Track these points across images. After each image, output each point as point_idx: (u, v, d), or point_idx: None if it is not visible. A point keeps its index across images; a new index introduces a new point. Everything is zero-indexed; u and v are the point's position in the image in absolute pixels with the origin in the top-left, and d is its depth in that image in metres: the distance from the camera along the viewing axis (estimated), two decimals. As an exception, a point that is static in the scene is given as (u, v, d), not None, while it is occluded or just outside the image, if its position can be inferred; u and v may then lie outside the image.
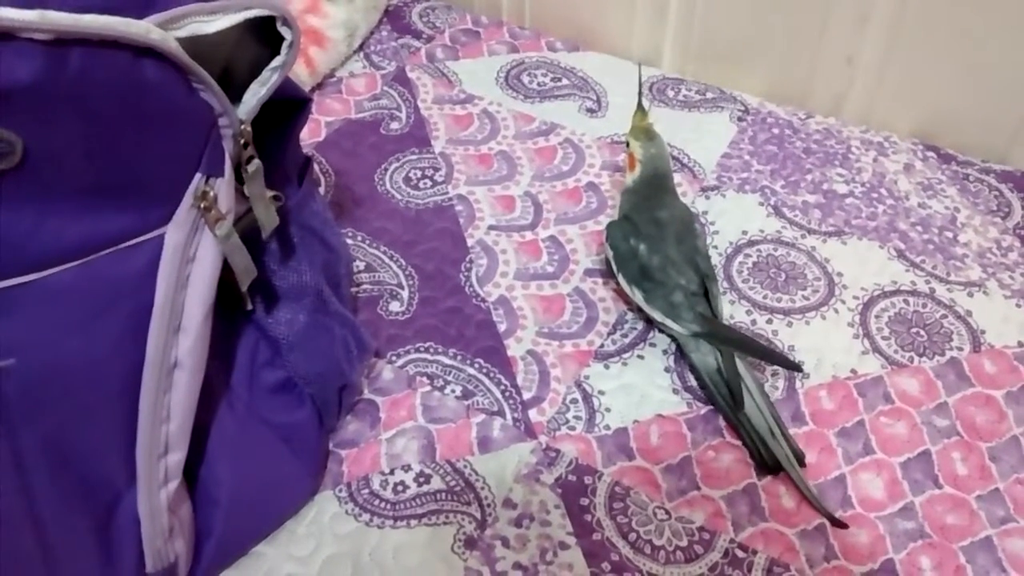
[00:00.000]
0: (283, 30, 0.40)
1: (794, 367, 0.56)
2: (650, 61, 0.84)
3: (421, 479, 0.52)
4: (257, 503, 0.48)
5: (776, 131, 0.76)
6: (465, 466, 0.53)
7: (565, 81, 0.82)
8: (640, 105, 0.63)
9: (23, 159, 0.33)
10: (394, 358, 0.59)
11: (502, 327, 0.61)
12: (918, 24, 0.72)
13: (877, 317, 0.61)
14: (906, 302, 0.62)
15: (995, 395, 0.57)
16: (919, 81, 0.74)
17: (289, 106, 0.47)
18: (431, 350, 0.59)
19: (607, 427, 0.55)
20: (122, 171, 0.36)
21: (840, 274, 0.64)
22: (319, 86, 0.80)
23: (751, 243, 0.66)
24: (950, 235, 0.67)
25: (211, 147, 0.39)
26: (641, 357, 0.59)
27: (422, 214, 0.69)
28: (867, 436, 0.54)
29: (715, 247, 0.66)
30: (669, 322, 0.57)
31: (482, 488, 0.52)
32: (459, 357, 0.59)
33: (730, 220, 0.68)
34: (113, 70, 0.33)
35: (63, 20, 0.31)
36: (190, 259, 0.40)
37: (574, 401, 0.56)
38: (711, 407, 0.56)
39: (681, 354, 0.58)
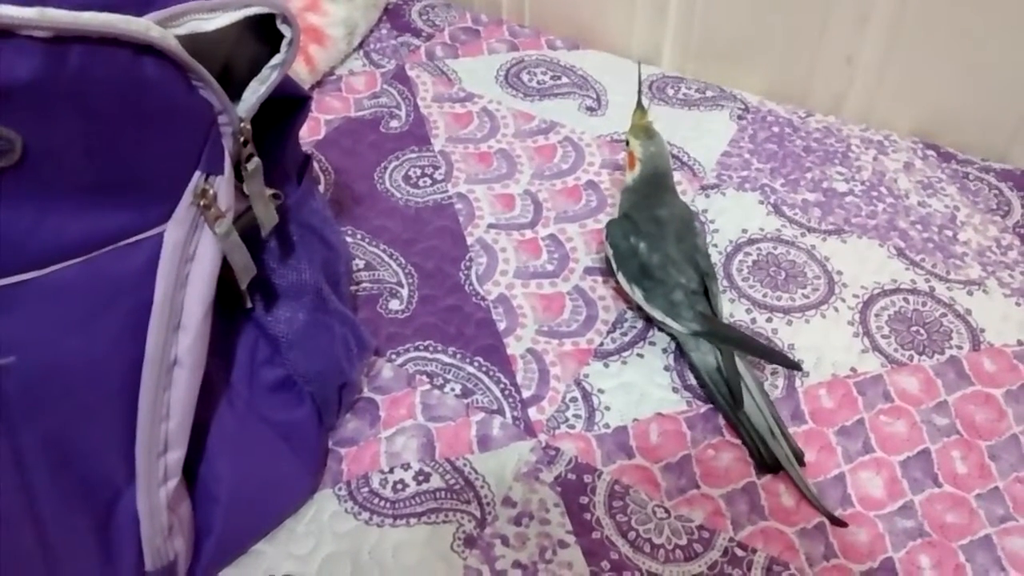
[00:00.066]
0: (283, 28, 0.40)
1: (794, 366, 0.56)
2: (650, 59, 0.84)
3: (420, 477, 0.52)
4: (256, 501, 0.48)
5: (776, 129, 0.76)
6: (465, 464, 0.53)
7: (565, 79, 0.81)
8: (640, 103, 0.63)
9: (23, 157, 0.33)
10: (394, 356, 0.59)
11: (502, 325, 0.61)
12: (918, 23, 0.72)
13: (877, 315, 0.61)
14: (906, 300, 0.62)
15: (995, 393, 0.57)
16: (919, 80, 0.74)
17: (289, 104, 0.47)
18: (431, 348, 0.59)
19: (606, 426, 0.55)
20: (122, 169, 0.36)
21: (840, 272, 0.64)
22: (319, 84, 0.80)
23: (751, 241, 0.66)
24: (950, 233, 0.67)
25: (211, 145, 0.39)
26: (641, 356, 0.59)
27: (422, 212, 0.69)
28: (867, 435, 0.54)
29: (715, 245, 0.66)
30: (669, 321, 0.56)
31: (481, 487, 0.52)
32: (459, 355, 0.59)
33: (730, 218, 0.68)
34: (113, 68, 0.33)
35: (63, 17, 0.31)
36: (190, 257, 0.40)
37: (574, 400, 0.56)
38: (711, 406, 0.56)
39: (681, 353, 0.58)
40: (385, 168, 0.72)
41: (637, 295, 0.58)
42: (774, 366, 0.57)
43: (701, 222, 0.67)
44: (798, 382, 0.57)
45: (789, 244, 0.66)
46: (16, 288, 0.35)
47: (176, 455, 0.42)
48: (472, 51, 0.85)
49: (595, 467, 0.53)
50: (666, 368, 0.58)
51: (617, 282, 0.60)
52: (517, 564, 0.48)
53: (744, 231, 0.67)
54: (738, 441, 0.54)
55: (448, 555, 0.49)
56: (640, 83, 0.66)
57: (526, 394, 0.56)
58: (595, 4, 0.85)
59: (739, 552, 0.49)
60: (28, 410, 0.36)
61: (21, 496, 0.38)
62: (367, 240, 0.66)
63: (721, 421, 0.55)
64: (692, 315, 0.56)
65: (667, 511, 0.51)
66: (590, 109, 0.78)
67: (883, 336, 0.60)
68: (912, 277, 0.64)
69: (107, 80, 0.33)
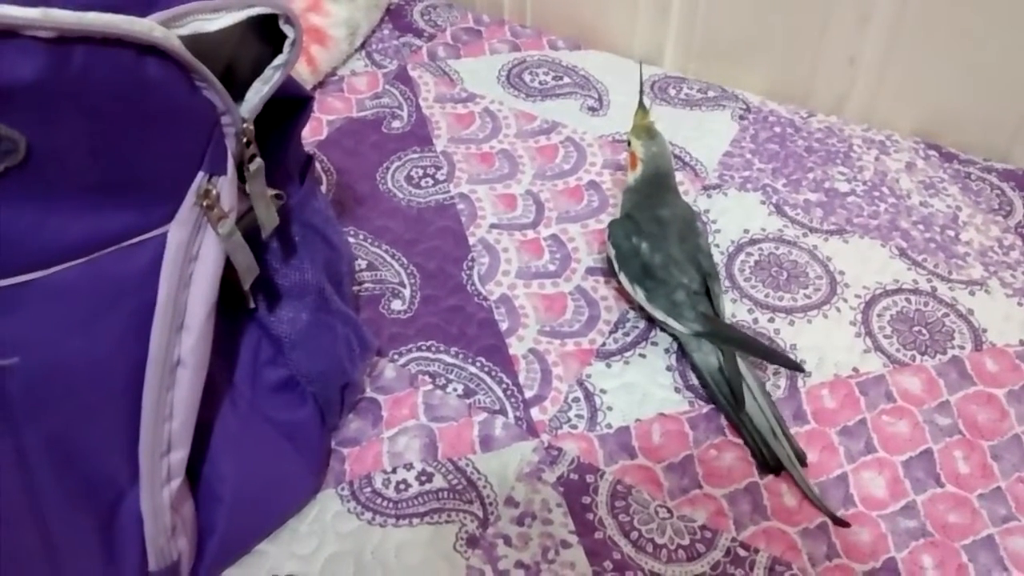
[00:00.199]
0: (285, 28, 0.40)
1: (796, 367, 0.56)
2: (652, 60, 0.84)
3: (423, 477, 0.52)
4: (259, 501, 0.48)
5: (778, 130, 0.76)
6: (467, 464, 0.53)
7: (567, 80, 0.82)
8: (642, 104, 0.63)
9: (27, 157, 0.33)
10: (396, 357, 0.59)
11: (504, 326, 0.61)
12: (919, 23, 0.72)
13: (879, 316, 0.61)
14: (908, 300, 0.62)
15: (997, 393, 0.57)
16: (920, 80, 0.74)
17: (291, 104, 0.47)
18: (433, 349, 0.59)
19: (609, 426, 0.55)
20: (125, 169, 0.36)
21: (842, 272, 0.64)
22: (321, 84, 0.80)
23: (753, 242, 0.66)
24: (952, 234, 0.67)
25: (213, 145, 0.39)
26: (643, 356, 0.59)
27: (424, 213, 0.69)
28: (869, 435, 0.54)
29: (717, 246, 0.66)
30: (671, 321, 0.56)
31: (484, 487, 0.52)
32: (461, 356, 0.59)
33: (732, 218, 0.68)
34: (116, 68, 0.33)
35: (66, 18, 0.31)
36: (193, 257, 0.40)
37: (576, 400, 0.56)
38: (713, 406, 0.56)
39: (683, 353, 0.58)
40: (387, 168, 0.72)
41: (639, 295, 0.58)
42: (776, 366, 0.57)
43: (703, 222, 0.67)
44: (800, 382, 0.57)
45: (791, 244, 0.66)
46: (19, 288, 0.35)
47: (179, 455, 0.42)
48: (474, 51, 0.85)
49: (597, 467, 0.53)
50: (668, 368, 0.58)
51: (619, 282, 0.60)
52: (520, 564, 0.48)
53: (746, 231, 0.67)
54: (740, 441, 0.54)
55: (451, 555, 0.49)
56: (642, 83, 0.66)
57: (528, 394, 0.56)
58: (597, 4, 0.85)
59: (742, 552, 0.49)
60: (31, 410, 0.37)
61: (25, 496, 0.38)
62: (369, 240, 0.66)
63: (723, 421, 0.55)
64: (694, 315, 0.56)
65: (669, 511, 0.51)
66: (592, 109, 0.78)
67: (885, 336, 0.60)
68: (914, 277, 0.64)
69: (110, 80, 0.33)
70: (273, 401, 0.49)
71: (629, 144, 0.62)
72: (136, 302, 0.38)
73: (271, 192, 0.45)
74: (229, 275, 0.43)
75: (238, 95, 0.41)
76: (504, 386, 0.57)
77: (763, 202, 0.69)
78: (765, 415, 0.54)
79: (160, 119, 0.36)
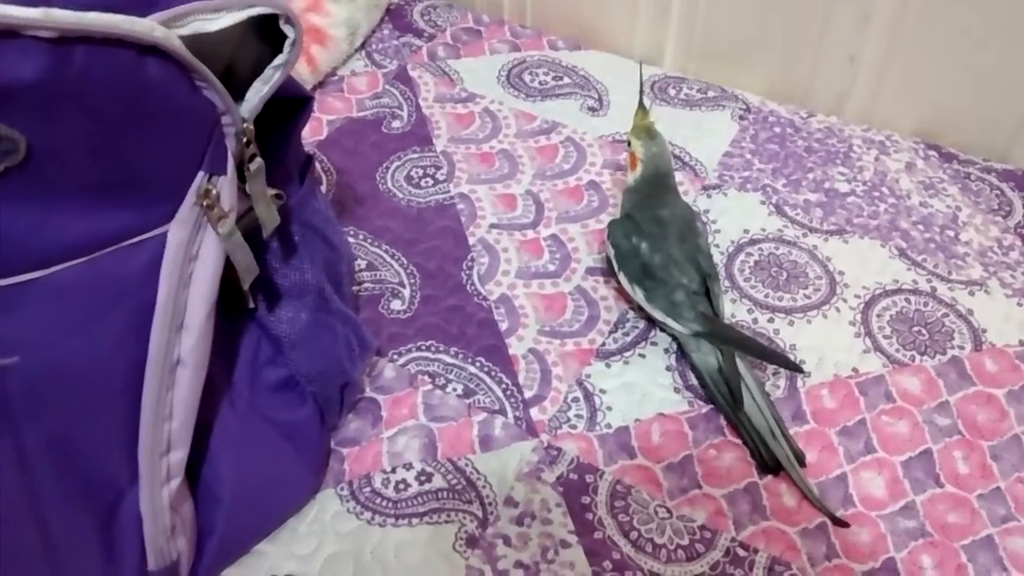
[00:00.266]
0: (286, 28, 0.40)
1: (795, 368, 0.56)
2: (652, 60, 0.84)
3: (423, 477, 0.52)
4: (259, 501, 0.48)
5: (778, 130, 0.76)
6: (467, 464, 0.53)
7: (567, 80, 0.82)
8: (641, 104, 0.63)
9: (27, 157, 0.33)
10: (396, 356, 0.59)
11: (503, 326, 0.61)
12: (919, 23, 0.72)
13: (879, 316, 0.61)
14: (907, 301, 0.62)
15: (996, 394, 0.57)
16: (920, 80, 0.74)
17: (291, 104, 0.47)
18: (432, 348, 0.59)
19: (608, 426, 0.55)
20: (125, 169, 0.36)
21: (841, 273, 0.64)
22: (321, 84, 0.80)
23: (753, 242, 0.66)
24: (951, 234, 0.67)
25: (214, 145, 0.39)
26: (642, 356, 0.59)
27: (424, 213, 0.69)
28: (868, 435, 0.55)
29: (717, 246, 0.66)
30: (670, 321, 0.57)
31: (483, 486, 0.52)
32: (460, 356, 0.59)
33: (732, 219, 0.68)
34: (117, 68, 0.33)
35: (67, 18, 0.31)
36: (193, 257, 0.40)
37: (575, 400, 0.56)
38: (712, 406, 0.56)
39: (682, 353, 0.58)
40: (387, 168, 0.72)
41: (638, 295, 0.58)
42: (776, 366, 0.57)
43: (703, 222, 0.67)
44: (800, 382, 0.57)
45: (791, 244, 0.66)
46: (19, 288, 0.35)
47: (179, 455, 0.42)
48: (474, 51, 0.85)
49: (597, 467, 0.53)
50: (668, 368, 0.58)
51: (619, 282, 0.60)
52: (519, 564, 0.48)
53: (746, 231, 0.67)
54: (739, 441, 0.54)
55: (450, 555, 0.49)
56: (642, 83, 0.66)
57: (528, 394, 0.57)
58: (597, 4, 0.85)
59: (741, 552, 0.49)
60: (31, 410, 0.37)
61: (24, 496, 0.38)
62: (369, 240, 0.66)
63: (722, 421, 0.55)
64: (693, 316, 0.56)
65: (669, 511, 0.51)
66: (592, 109, 0.78)
67: (885, 336, 0.60)
68: (914, 277, 0.64)
69: (111, 80, 0.33)
70: (272, 401, 0.49)
71: (629, 144, 0.62)
72: (136, 302, 0.38)
73: (271, 192, 0.45)
74: (228, 275, 0.43)
75: (238, 95, 0.41)
76: (504, 386, 0.57)
77: (763, 202, 0.69)
78: (764, 415, 0.54)
79: (160, 119, 0.36)
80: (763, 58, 0.80)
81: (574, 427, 0.55)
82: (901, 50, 0.74)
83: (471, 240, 0.66)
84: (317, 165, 0.71)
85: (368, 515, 0.50)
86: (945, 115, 0.75)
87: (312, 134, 0.75)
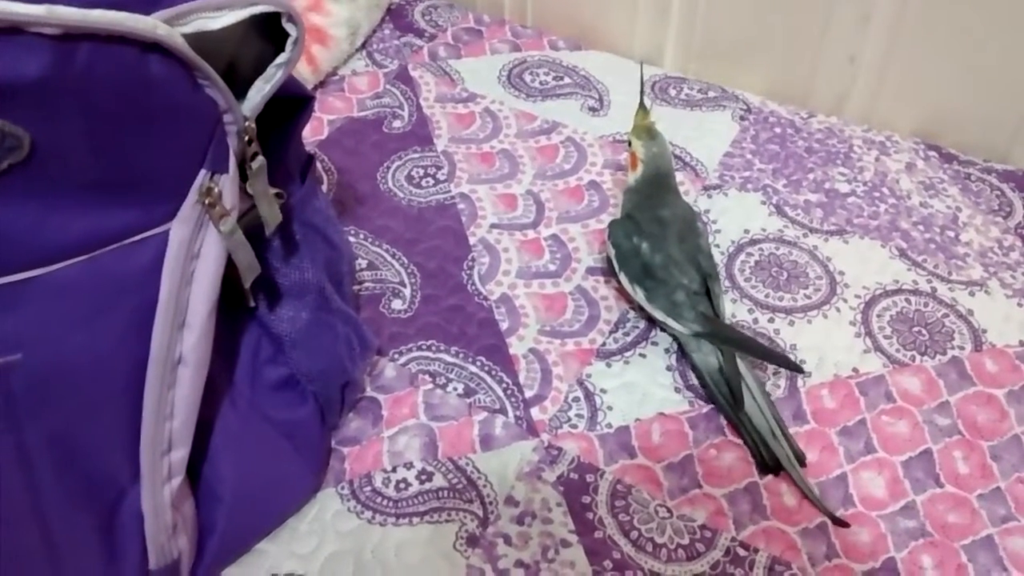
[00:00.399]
0: (288, 26, 0.40)
1: (796, 368, 0.56)
2: (652, 60, 0.84)
3: (423, 477, 0.52)
4: (259, 500, 0.48)
5: (778, 130, 0.76)
6: (467, 464, 0.53)
7: (567, 80, 0.82)
8: (642, 104, 0.63)
9: (30, 154, 0.33)
10: (396, 356, 0.59)
11: (504, 325, 0.61)
12: (919, 23, 0.72)
13: (879, 316, 0.61)
14: (908, 301, 0.62)
15: (996, 394, 0.57)
16: (921, 80, 0.74)
17: (292, 104, 0.47)
18: (433, 348, 0.59)
19: (609, 425, 0.55)
20: (127, 166, 0.36)
21: (842, 273, 0.64)
22: (321, 84, 0.80)
23: (753, 242, 0.66)
24: (952, 234, 0.67)
25: (216, 143, 0.39)
26: (643, 356, 0.59)
27: (424, 212, 0.69)
28: (868, 435, 0.55)
29: (717, 246, 0.66)
30: (671, 321, 0.57)
31: (484, 486, 0.52)
32: (461, 355, 0.59)
33: (732, 219, 0.68)
34: (120, 65, 0.33)
35: (71, 15, 0.31)
36: (195, 255, 0.40)
37: (576, 399, 0.56)
38: (713, 406, 0.56)
39: (683, 353, 0.58)
40: (388, 168, 0.72)
41: (639, 295, 0.58)
42: (776, 366, 0.57)
43: (703, 222, 0.67)
44: (800, 382, 0.57)
45: (791, 245, 0.66)
46: (22, 285, 0.35)
47: (180, 453, 0.42)
48: (475, 51, 0.85)
49: (597, 467, 0.53)
50: (668, 368, 0.58)
51: (619, 282, 0.60)
52: (519, 563, 0.48)
53: (746, 231, 0.67)
54: (740, 441, 0.54)
55: (451, 554, 0.49)
56: (642, 83, 0.66)
57: (528, 394, 0.57)
58: (597, 5, 0.85)
59: (741, 552, 0.49)
60: (33, 408, 0.37)
61: (26, 495, 0.38)
62: (370, 240, 0.66)
63: (723, 421, 0.55)
64: (694, 316, 0.56)
65: (669, 511, 0.51)
66: (592, 109, 0.78)
67: (885, 336, 0.60)
68: (914, 278, 0.64)
69: (114, 78, 0.33)
70: (273, 400, 0.49)
71: (629, 144, 0.62)
72: (138, 299, 0.38)
73: (273, 191, 0.45)
74: (229, 273, 0.43)
75: (240, 93, 0.41)
76: (504, 385, 0.57)
77: (763, 202, 0.69)
78: (764, 415, 0.54)
79: (163, 117, 0.36)
80: (763, 58, 0.80)
81: (575, 427, 0.55)
82: (901, 50, 0.74)
83: (472, 240, 0.66)
84: (318, 164, 0.71)
85: (369, 514, 0.50)
86: (945, 115, 0.75)
87: (313, 134, 0.75)
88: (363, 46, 0.85)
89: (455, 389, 0.57)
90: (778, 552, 0.49)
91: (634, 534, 0.50)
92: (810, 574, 0.48)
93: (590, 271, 0.64)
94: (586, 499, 0.51)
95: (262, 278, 0.46)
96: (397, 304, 0.62)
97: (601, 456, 0.53)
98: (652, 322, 0.60)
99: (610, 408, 0.56)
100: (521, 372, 0.58)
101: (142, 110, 0.35)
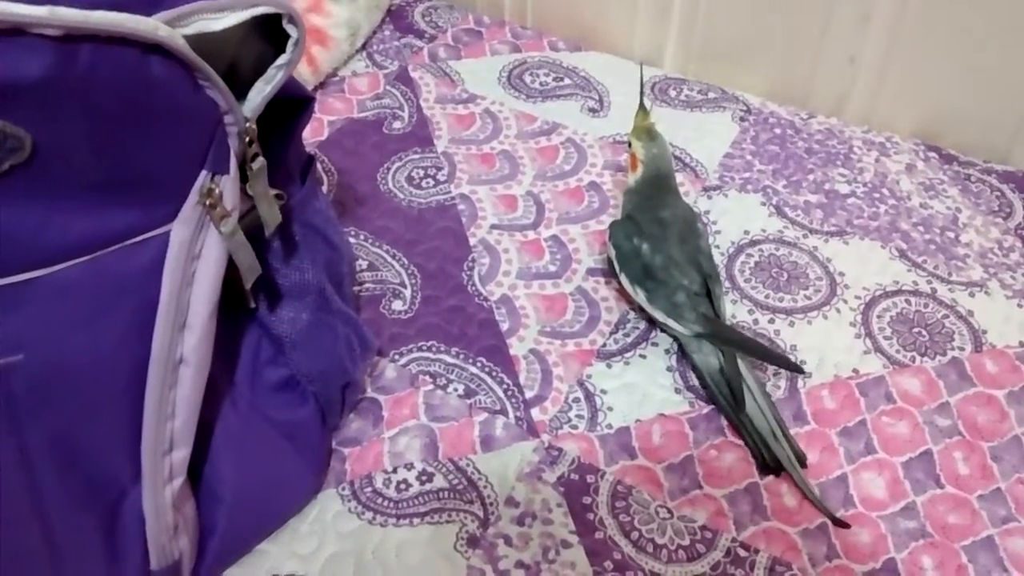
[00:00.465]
0: (289, 28, 0.40)
1: (796, 369, 0.56)
2: (652, 61, 0.84)
3: (424, 477, 0.52)
4: (260, 501, 0.48)
5: (778, 131, 0.76)
6: (468, 464, 0.53)
7: (567, 81, 0.82)
8: (642, 105, 0.63)
9: (32, 155, 0.33)
10: (397, 357, 0.59)
11: (504, 326, 0.61)
12: (919, 23, 0.72)
13: (879, 317, 0.61)
14: (908, 302, 0.62)
15: (997, 395, 0.57)
16: (921, 81, 0.75)
17: (292, 105, 0.47)
18: (433, 349, 0.59)
19: (609, 426, 0.55)
20: (128, 167, 0.36)
21: (842, 274, 0.64)
22: (322, 85, 0.80)
23: (753, 243, 0.66)
24: (952, 235, 0.67)
25: (216, 144, 0.39)
26: (643, 356, 0.59)
27: (424, 213, 0.69)
28: (869, 435, 0.55)
29: (717, 247, 0.66)
30: (671, 322, 0.57)
31: (484, 486, 0.52)
32: (461, 356, 0.59)
33: (732, 220, 0.68)
34: (121, 66, 0.33)
35: (73, 16, 0.31)
36: (196, 256, 0.40)
37: (576, 400, 0.56)
38: (713, 406, 0.56)
39: (683, 354, 0.58)
40: (388, 169, 0.73)
41: (639, 296, 0.58)
42: (776, 367, 0.57)
43: (703, 223, 0.67)
44: (800, 383, 0.57)
45: (791, 245, 0.66)
46: (23, 286, 0.35)
47: (181, 454, 0.42)
48: (475, 52, 0.85)
49: (598, 467, 0.53)
50: (668, 369, 0.58)
51: (620, 283, 0.60)
52: (520, 564, 0.48)
53: (746, 232, 0.67)
54: (740, 442, 0.54)
55: (451, 555, 0.49)
56: (642, 84, 0.66)
57: (529, 394, 0.57)
58: (597, 6, 0.85)
59: (742, 552, 0.49)
60: (35, 408, 0.37)
61: (27, 495, 0.38)
62: (370, 241, 0.66)
63: (723, 422, 0.55)
64: (694, 317, 0.56)
65: (670, 511, 0.51)
66: (592, 110, 0.78)
67: (885, 337, 0.60)
68: (914, 279, 0.64)
69: (115, 79, 0.33)
70: (274, 401, 0.49)
71: (630, 145, 0.62)
72: (139, 300, 0.38)
73: (273, 192, 0.45)
74: (229, 274, 0.43)
75: (240, 94, 0.41)
76: (505, 386, 0.57)
77: (763, 203, 0.69)
78: (765, 416, 0.54)
79: (163, 118, 0.36)
80: (763, 59, 0.80)
81: (575, 427, 0.55)
82: (901, 51, 0.74)
83: (472, 241, 0.67)
84: (318, 165, 0.71)
85: (369, 515, 0.50)
86: (945, 116, 0.75)
87: (313, 135, 0.75)
88: (363, 47, 0.85)
89: (455, 390, 0.57)
90: (779, 553, 0.49)
91: (635, 535, 0.50)
92: (810, 575, 0.48)
93: (590, 272, 0.64)
94: (587, 500, 0.51)
95: (262, 279, 0.46)
96: (397, 305, 0.62)
97: (601, 457, 0.53)
98: (652, 323, 0.60)
99: (610, 409, 0.56)
100: (521, 373, 0.58)
101: (143, 111, 0.35)
